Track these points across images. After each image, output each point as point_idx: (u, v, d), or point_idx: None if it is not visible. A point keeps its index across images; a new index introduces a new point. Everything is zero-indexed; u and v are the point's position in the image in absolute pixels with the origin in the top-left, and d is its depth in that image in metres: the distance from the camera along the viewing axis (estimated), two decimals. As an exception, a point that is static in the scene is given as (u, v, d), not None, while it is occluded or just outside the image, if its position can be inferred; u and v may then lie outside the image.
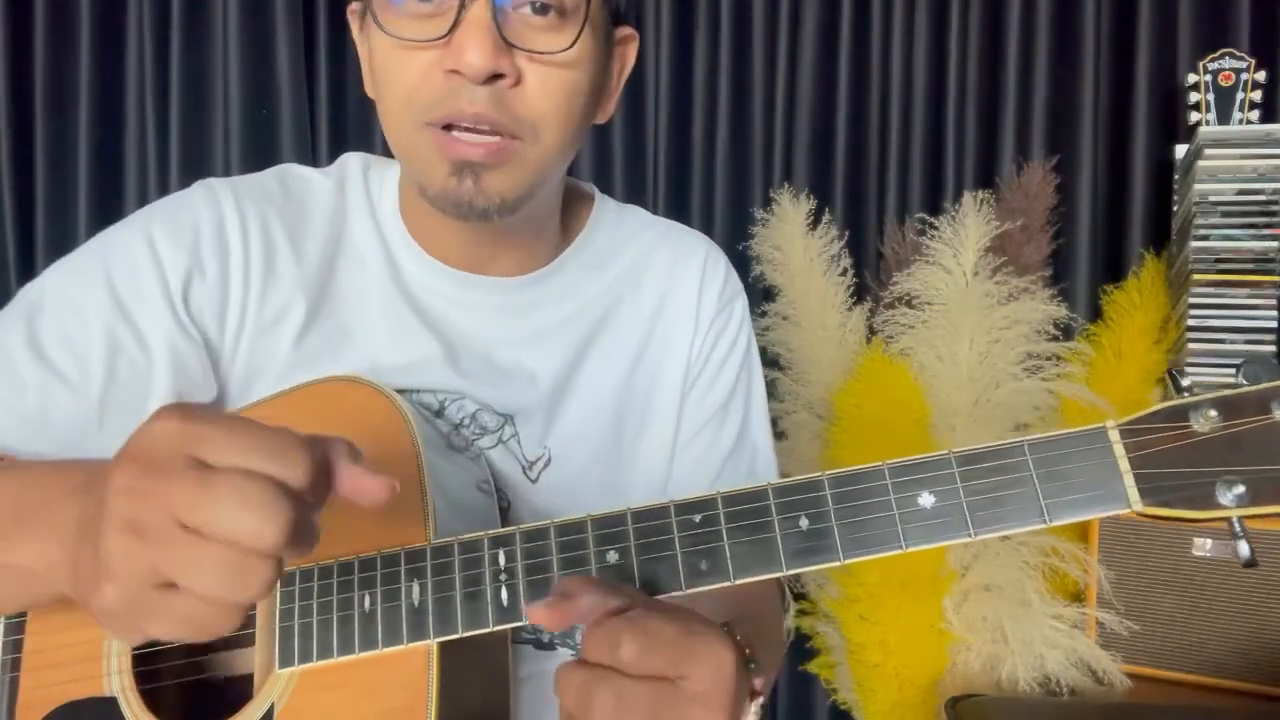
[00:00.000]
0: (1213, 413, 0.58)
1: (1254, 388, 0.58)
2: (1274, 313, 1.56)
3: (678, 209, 2.05)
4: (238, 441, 0.47)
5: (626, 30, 0.83)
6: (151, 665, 0.75)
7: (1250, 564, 0.59)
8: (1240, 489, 0.57)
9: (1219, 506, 0.57)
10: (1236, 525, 0.59)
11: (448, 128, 0.71)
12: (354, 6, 0.82)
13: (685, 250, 0.97)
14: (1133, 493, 0.58)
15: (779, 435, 1.84)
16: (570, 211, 0.92)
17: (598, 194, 0.97)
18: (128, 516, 0.46)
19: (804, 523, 0.62)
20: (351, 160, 0.91)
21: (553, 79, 0.73)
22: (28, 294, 0.79)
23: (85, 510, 0.51)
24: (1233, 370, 0.61)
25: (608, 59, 0.81)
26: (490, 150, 0.72)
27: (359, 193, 0.88)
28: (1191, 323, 1.59)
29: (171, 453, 0.47)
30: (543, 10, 0.71)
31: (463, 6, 0.69)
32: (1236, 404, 0.58)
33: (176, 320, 0.79)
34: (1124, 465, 0.59)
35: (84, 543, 0.50)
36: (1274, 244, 1.56)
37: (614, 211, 0.98)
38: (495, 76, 0.70)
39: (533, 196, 0.78)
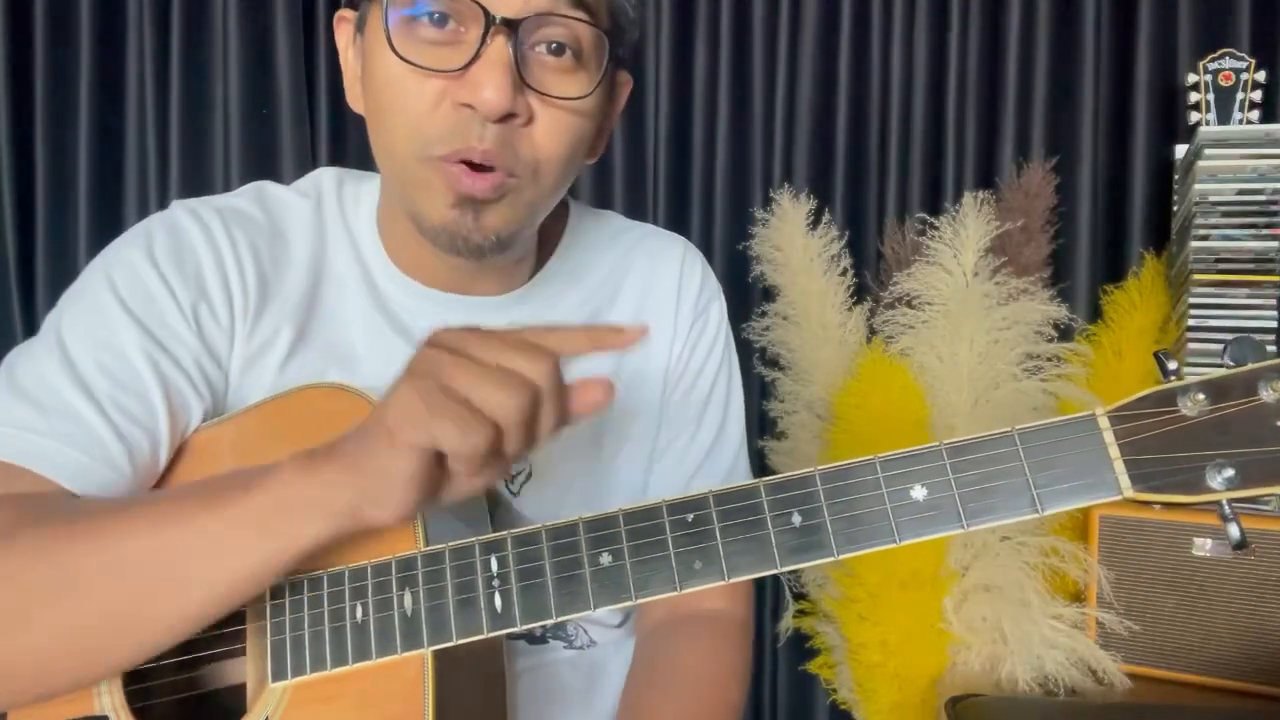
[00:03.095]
0: (1200, 396, 0.58)
1: (1240, 369, 0.58)
2: (1274, 313, 1.55)
3: (678, 209, 2.05)
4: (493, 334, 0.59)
5: (625, 76, 0.84)
6: (143, 683, 0.74)
7: (1241, 545, 0.59)
8: (1230, 471, 0.57)
9: (1209, 490, 0.58)
10: (1227, 508, 0.59)
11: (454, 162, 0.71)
12: (344, 14, 0.80)
13: (661, 255, 0.97)
14: (1123, 479, 0.59)
15: (779, 435, 1.84)
16: (545, 222, 0.90)
17: (572, 202, 0.96)
18: (417, 370, 0.57)
19: (797, 519, 0.62)
20: (325, 178, 0.90)
21: (562, 123, 0.73)
22: (53, 352, 0.75)
23: (344, 437, 0.62)
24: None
25: (609, 104, 0.81)
26: (493, 184, 0.71)
27: (334, 214, 0.87)
28: (1191, 323, 1.59)
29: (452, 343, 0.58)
30: (559, 51, 0.71)
31: (484, 41, 0.68)
32: (1223, 386, 0.58)
33: (201, 343, 0.78)
34: (1114, 452, 0.59)
35: (358, 437, 0.61)
36: (1274, 244, 1.55)
37: (590, 219, 0.97)
38: (509, 116, 0.69)
39: (523, 233, 0.78)
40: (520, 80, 0.69)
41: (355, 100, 0.80)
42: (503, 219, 0.74)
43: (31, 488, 0.70)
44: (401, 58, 0.69)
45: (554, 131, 0.73)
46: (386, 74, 0.71)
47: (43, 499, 0.69)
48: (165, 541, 0.63)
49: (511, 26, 0.68)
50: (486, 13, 0.68)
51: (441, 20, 0.69)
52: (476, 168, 0.71)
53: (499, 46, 0.68)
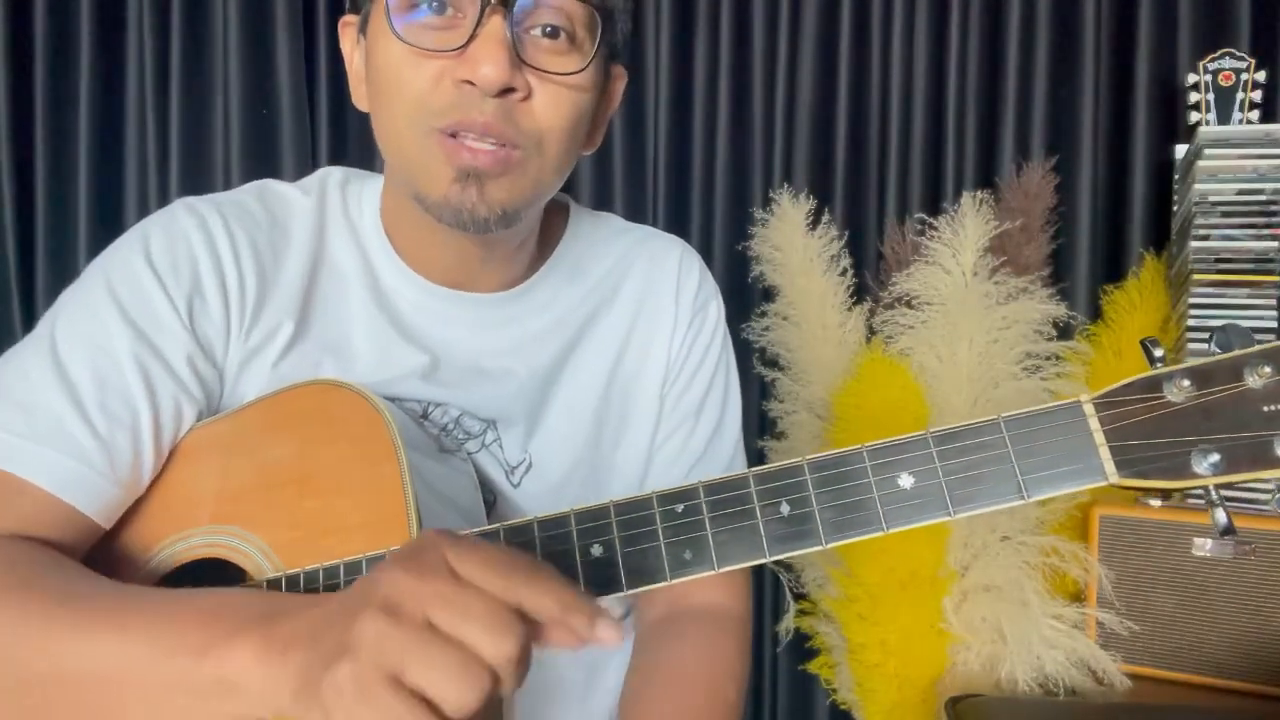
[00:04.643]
0: (1186, 382, 0.59)
1: (1226, 356, 0.59)
2: (1274, 313, 1.55)
3: (678, 209, 2.05)
4: (496, 567, 0.52)
5: (619, 69, 0.86)
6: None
7: (1228, 532, 0.59)
8: (1215, 457, 0.58)
9: (1194, 475, 0.58)
10: (1213, 493, 0.59)
11: (454, 135, 0.73)
12: (348, 19, 0.83)
13: (660, 256, 0.98)
14: (1108, 465, 0.59)
15: (779, 435, 1.84)
16: (546, 222, 0.92)
17: (571, 203, 0.98)
18: (390, 598, 0.51)
19: (785, 508, 0.63)
20: (331, 175, 0.91)
21: (560, 97, 0.75)
22: (43, 349, 0.76)
23: (313, 620, 0.56)
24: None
25: (602, 92, 0.83)
26: (497, 159, 0.73)
27: (338, 210, 0.88)
28: (1191, 323, 1.58)
29: (437, 561, 0.52)
30: (553, 34, 0.74)
31: (480, 21, 0.71)
32: (1209, 373, 0.59)
33: (195, 340, 0.79)
34: (1099, 438, 0.59)
35: (315, 643, 0.54)
36: (1274, 244, 1.55)
37: (589, 220, 0.98)
38: (507, 91, 0.72)
39: (529, 210, 0.79)
40: (517, 58, 0.72)
41: (360, 99, 0.83)
42: (508, 192, 0.75)
43: (7, 490, 0.71)
44: (403, 40, 0.72)
45: (553, 105, 0.75)
46: (388, 60, 0.74)
47: (33, 557, 0.69)
48: (118, 672, 0.62)
49: (507, 5, 0.71)
50: None
51: (440, 7, 0.72)
52: (478, 139, 0.72)
53: (495, 24, 0.71)
